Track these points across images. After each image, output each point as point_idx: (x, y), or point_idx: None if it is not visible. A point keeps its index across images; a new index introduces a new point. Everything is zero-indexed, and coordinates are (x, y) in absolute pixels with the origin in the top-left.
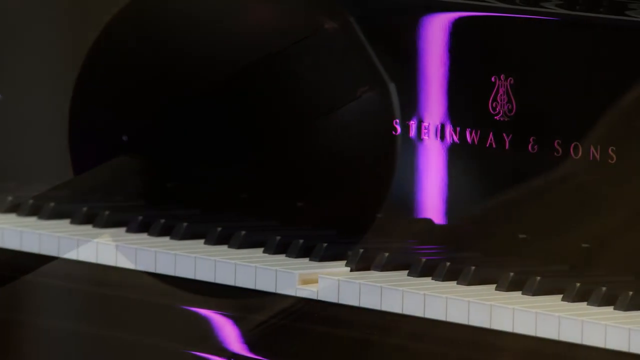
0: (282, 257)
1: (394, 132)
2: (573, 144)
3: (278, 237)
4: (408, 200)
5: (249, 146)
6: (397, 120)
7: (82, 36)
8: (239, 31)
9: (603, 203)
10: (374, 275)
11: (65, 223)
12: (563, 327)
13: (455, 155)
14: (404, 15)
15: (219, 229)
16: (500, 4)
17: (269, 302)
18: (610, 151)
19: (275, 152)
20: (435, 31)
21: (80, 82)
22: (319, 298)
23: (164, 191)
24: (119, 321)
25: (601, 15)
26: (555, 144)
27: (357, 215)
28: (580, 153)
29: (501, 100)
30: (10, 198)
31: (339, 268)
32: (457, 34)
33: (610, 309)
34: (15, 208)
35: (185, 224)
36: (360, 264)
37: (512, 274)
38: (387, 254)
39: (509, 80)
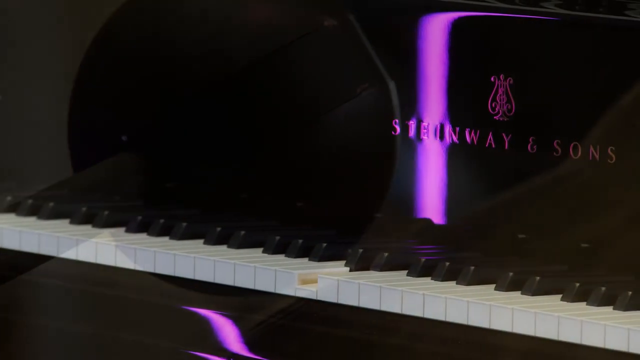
0: (281, 257)
1: (393, 132)
2: (572, 144)
3: (277, 237)
4: (407, 200)
5: (248, 146)
6: (397, 120)
7: (82, 36)
8: (238, 30)
9: (602, 203)
10: (373, 275)
11: (64, 223)
12: (562, 327)
13: (455, 155)
14: (403, 15)
15: (219, 229)
16: (499, 4)
17: (268, 302)
18: (609, 151)
19: (275, 151)
20: (435, 31)
21: (80, 82)
22: (319, 298)
23: (164, 191)
24: (118, 321)
25: (600, 15)
26: (555, 144)
27: (356, 215)
28: (579, 153)
29: (500, 100)
30: (9, 198)
31: (339, 268)
32: (457, 34)
33: (609, 309)
34: (15, 208)
35: (184, 224)
36: (360, 264)
37: (511, 274)
38: (386, 254)
39: (508, 80)
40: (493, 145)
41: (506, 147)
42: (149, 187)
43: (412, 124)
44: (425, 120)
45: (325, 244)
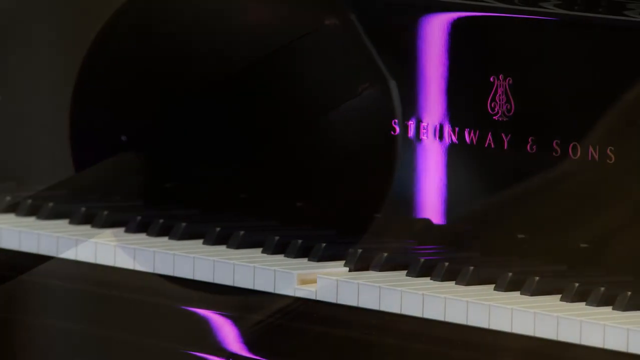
0: (280, 257)
1: (392, 133)
2: (572, 144)
3: (277, 237)
4: (407, 200)
5: (248, 146)
6: (396, 121)
7: (82, 36)
8: (238, 29)
9: (602, 203)
10: (372, 275)
11: (64, 223)
12: (561, 327)
13: (454, 155)
14: (402, 16)
15: (218, 229)
16: (499, 4)
17: (267, 302)
18: (608, 151)
19: (274, 151)
20: (434, 31)
21: (80, 82)
22: (318, 298)
23: (163, 191)
24: (118, 321)
25: (599, 15)
26: (554, 144)
27: (356, 215)
28: (579, 153)
29: (500, 101)
30: (8, 198)
31: (338, 268)
32: (456, 34)
33: (608, 309)
34: (14, 208)
35: (184, 224)
36: (359, 264)
37: (510, 274)
38: (385, 254)
39: (507, 80)
40: (492, 146)
41: (505, 147)
42: (149, 187)
43: (412, 124)
44: (425, 120)
45: (324, 244)
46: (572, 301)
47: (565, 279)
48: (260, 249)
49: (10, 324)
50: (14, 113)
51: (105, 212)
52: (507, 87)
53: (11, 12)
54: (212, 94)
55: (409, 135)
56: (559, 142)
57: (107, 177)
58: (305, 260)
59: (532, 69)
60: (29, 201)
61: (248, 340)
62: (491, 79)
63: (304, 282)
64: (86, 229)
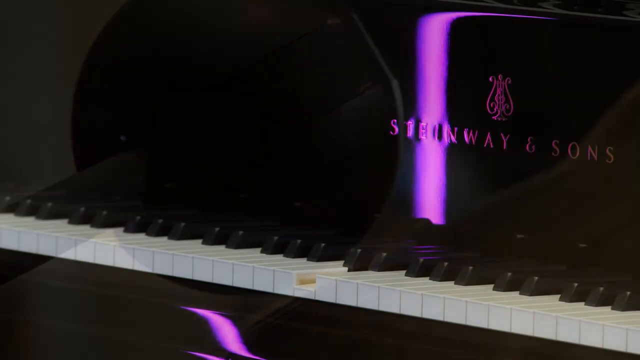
0: (279, 257)
1: (392, 133)
2: (571, 144)
3: (276, 237)
4: (406, 200)
5: (247, 146)
6: (395, 121)
7: (82, 36)
8: (238, 29)
9: (601, 203)
10: (371, 275)
11: (63, 223)
12: (561, 327)
13: (453, 155)
14: (401, 16)
15: (217, 229)
16: (498, 4)
17: (266, 302)
18: (607, 151)
19: (274, 152)
20: (433, 31)
21: (82, 83)
22: (317, 298)
23: (163, 191)
24: (117, 321)
25: (599, 15)
26: (553, 144)
27: (355, 215)
28: (578, 153)
29: (499, 100)
30: (8, 198)
31: (337, 268)
32: (455, 34)
33: (607, 309)
34: (13, 208)
35: (183, 224)
36: (358, 264)
37: (509, 274)
38: (384, 254)
39: (506, 80)
40: (491, 146)
41: (504, 147)
42: (148, 187)
43: (411, 124)
44: (424, 120)
45: (323, 244)
46: (571, 301)
47: (564, 279)
48: (259, 249)
49: (10, 323)
50: (14, 113)
51: (105, 212)
52: (506, 87)
53: (11, 12)
54: (212, 94)
55: (408, 135)
56: (558, 142)
57: (106, 177)
58: (304, 260)
59: (531, 69)
60: (28, 201)
61: (247, 340)
62: (490, 79)
63: (303, 282)
64: (85, 228)
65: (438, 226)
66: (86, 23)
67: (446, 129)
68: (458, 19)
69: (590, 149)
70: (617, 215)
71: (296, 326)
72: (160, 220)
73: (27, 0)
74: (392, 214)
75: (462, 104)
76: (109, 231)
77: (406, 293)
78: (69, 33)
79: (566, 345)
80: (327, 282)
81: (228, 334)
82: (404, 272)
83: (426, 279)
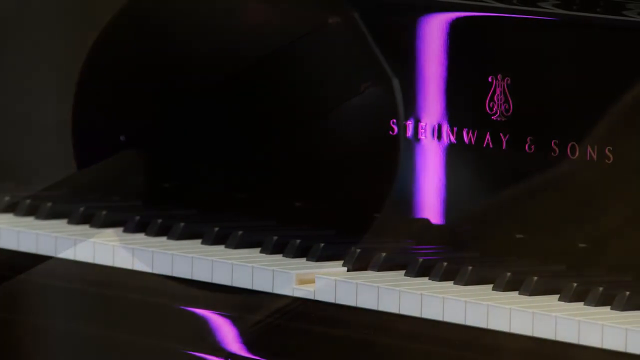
0: (279, 257)
1: (391, 132)
2: (570, 144)
3: (275, 237)
4: (405, 200)
5: (247, 146)
6: (395, 121)
7: (82, 36)
8: (239, 29)
9: (600, 203)
10: (371, 275)
11: (62, 223)
12: (560, 327)
13: (453, 155)
14: (400, 15)
15: (216, 229)
16: (497, 4)
17: (266, 302)
18: (607, 151)
19: (274, 152)
20: (432, 31)
21: (82, 83)
22: (316, 298)
23: (162, 191)
24: (116, 321)
25: (598, 15)
26: (552, 144)
27: (354, 215)
28: (577, 153)
29: (498, 100)
30: (7, 198)
31: (336, 268)
32: (454, 34)
33: (607, 309)
34: (13, 208)
35: (182, 224)
36: (357, 264)
37: (509, 274)
38: (384, 254)
39: (506, 80)
40: (491, 145)
41: (504, 147)
42: (148, 187)
43: (410, 124)
44: (423, 120)
45: (323, 244)
46: (571, 301)
47: (563, 279)
48: (258, 249)
49: (9, 323)
50: (13, 113)
51: (104, 212)
52: (506, 87)
53: (11, 12)
54: (212, 93)
55: (408, 135)
56: (557, 142)
57: (106, 177)
58: (303, 260)
59: (531, 69)
60: (28, 201)
61: (247, 340)
62: (489, 79)
63: (302, 282)
64: (85, 228)
65: (437, 226)
66: (86, 23)
67: (445, 128)
68: (458, 19)
69: (589, 149)
70: (617, 215)
71: (295, 326)
72: (159, 220)
73: (28, 1)
74: (391, 214)
75: (461, 103)
76: (109, 231)
77: (405, 293)
78: (69, 33)
79: (565, 345)
80: (326, 282)
81: (227, 334)
82: (403, 272)
83: (425, 279)
